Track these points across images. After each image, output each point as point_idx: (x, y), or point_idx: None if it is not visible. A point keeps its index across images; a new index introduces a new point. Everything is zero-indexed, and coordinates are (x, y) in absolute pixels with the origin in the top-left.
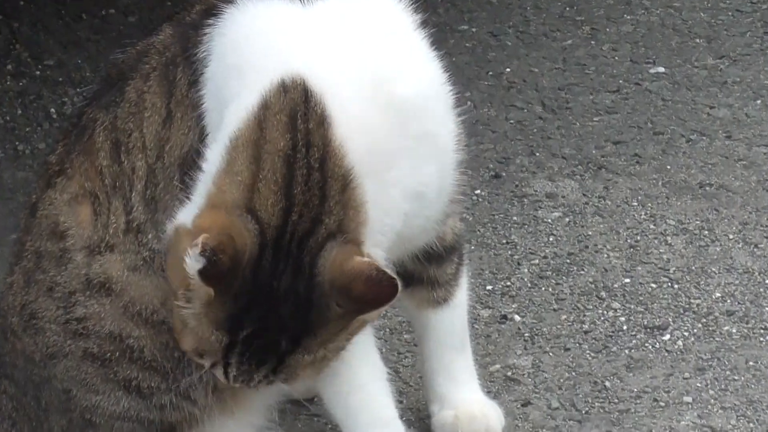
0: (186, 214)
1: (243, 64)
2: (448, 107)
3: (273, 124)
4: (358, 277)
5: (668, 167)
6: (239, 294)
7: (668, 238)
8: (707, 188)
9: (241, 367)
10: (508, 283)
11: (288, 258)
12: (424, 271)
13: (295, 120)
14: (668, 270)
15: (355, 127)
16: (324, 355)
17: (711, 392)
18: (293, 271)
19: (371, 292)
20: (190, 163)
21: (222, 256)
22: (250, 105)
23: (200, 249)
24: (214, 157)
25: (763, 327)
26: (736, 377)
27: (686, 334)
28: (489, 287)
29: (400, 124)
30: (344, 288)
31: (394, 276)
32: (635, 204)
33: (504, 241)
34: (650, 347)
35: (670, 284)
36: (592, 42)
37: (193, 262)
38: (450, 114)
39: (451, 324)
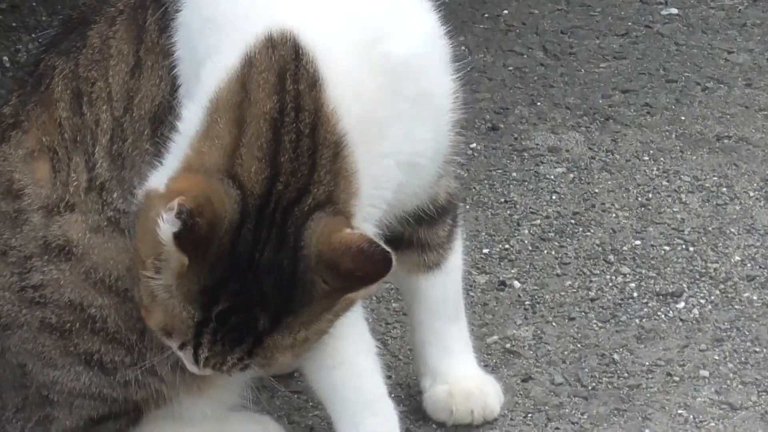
0: (159, 178)
1: (221, 17)
2: (445, 64)
3: (258, 83)
4: (347, 251)
5: (682, 118)
6: (215, 265)
7: (683, 195)
8: (725, 141)
9: (214, 348)
10: (507, 246)
11: (271, 227)
12: (414, 233)
13: (284, 80)
14: (683, 231)
15: (348, 90)
16: (305, 337)
17: (729, 365)
18: (277, 242)
19: (362, 268)
20: (162, 116)
21: (199, 220)
22: (232, 62)
23: (176, 211)
24: (190, 118)
25: None
26: (757, 349)
27: (702, 301)
28: (486, 250)
29: (395, 86)
30: (332, 262)
31: (389, 250)
32: (646, 158)
33: (502, 200)
34: (663, 316)
35: (684, 247)
36: None
37: (167, 226)
38: (447, 71)
39: (443, 291)
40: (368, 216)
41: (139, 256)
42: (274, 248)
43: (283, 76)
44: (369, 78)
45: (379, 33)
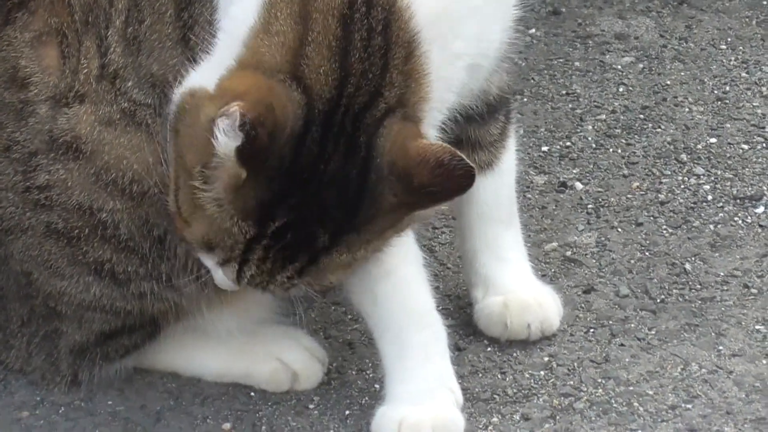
0: (203, 77)
1: None
2: None
3: None
4: (425, 162)
5: (764, 2)
6: (275, 177)
7: (763, 89)
8: None
9: (262, 266)
10: (569, 144)
11: (340, 136)
12: (464, 132)
13: None
14: (763, 128)
15: None
16: (363, 256)
17: None
18: (345, 153)
19: (439, 182)
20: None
21: (260, 131)
22: None
23: (238, 122)
24: (243, 14)
25: None
26: None
27: None
28: (545, 148)
29: None
30: (406, 173)
31: (472, 165)
32: (723, 47)
33: (564, 92)
34: (740, 222)
35: (765, 146)
36: None
37: (226, 139)
38: None
39: (496, 193)
40: (433, 121)
41: (183, 163)
42: (342, 158)
43: None
44: None
45: None
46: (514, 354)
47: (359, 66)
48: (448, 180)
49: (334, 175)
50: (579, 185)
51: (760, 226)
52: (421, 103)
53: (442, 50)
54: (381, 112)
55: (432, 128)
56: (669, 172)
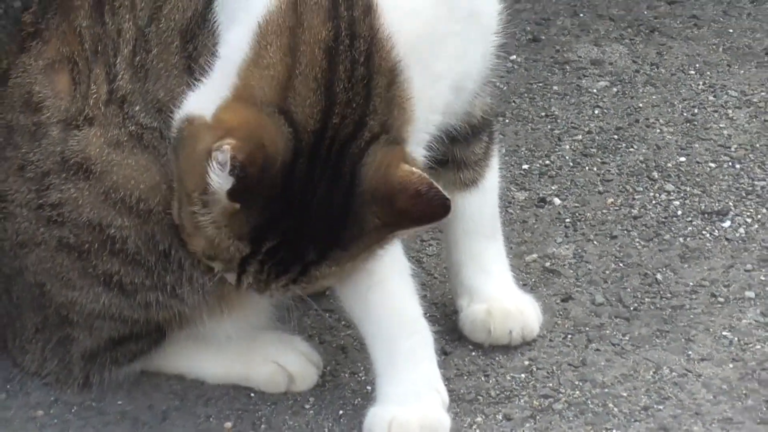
0: (200, 102)
1: None
2: None
3: (312, 9)
4: (404, 191)
5: (730, 31)
6: (267, 205)
7: (729, 111)
8: None
9: (259, 276)
10: (548, 162)
11: (326, 165)
12: (450, 151)
13: (338, 6)
14: (729, 147)
15: (402, 14)
16: (351, 267)
17: None
18: (331, 180)
19: (417, 209)
20: (194, 30)
21: (251, 170)
22: None
23: (229, 166)
24: (236, 42)
25: None
26: None
27: (749, 220)
28: (525, 166)
29: (448, 7)
30: (387, 199)
31: (447, 196)
32: (692, 72)
33: (543, 114)
34: (708, 235)
35: (731, 163)
36: None
37: (219, 180)
38: None
39: (480, 208)
40: (420, 141)
41: (183, 187)
42: (328, 186)
43: (337, 2)
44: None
45: None
46: (497, 358)
47: (343, 96)
48: (427, 208)
49: (321, 201)
50: (557, 201)
51: (727, 239)
52: (405, 126)
53: (424, 73)
54: (365, 140)
55: (419, 147)
56: (641, 189)
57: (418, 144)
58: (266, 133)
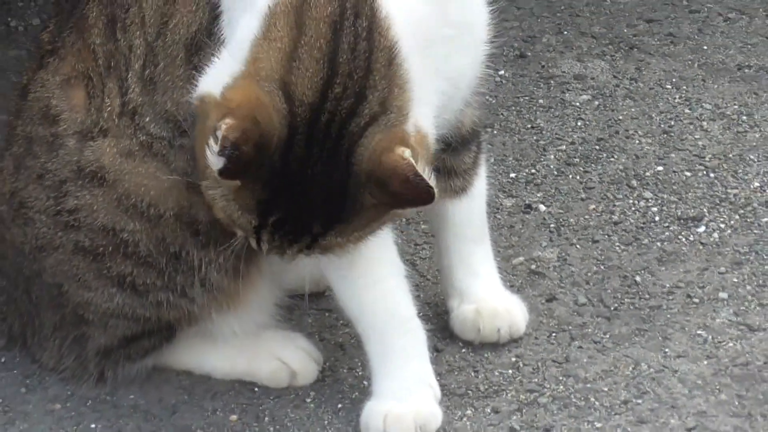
0: (214, 80)
1: None
2: None
3: None
4: (395, 175)
5: (705, 47)
6: (268, 181)
7: (704, 123)
8: (746, 70)
9: (273, 242)
10: (533, 171)
11: (324, 144)
12: (440, 160)
13: None
14: (704, 157)
15: (398, 8)
16: (358, 236)
17: (748, 288)
18: (328, 159)
19: (408, 193)
20: (199, 44)
21: (245, 148)
22: None
23: (219, 146)
24: (248, 25)
25: None
26: None
27: (722, 225)
28: (512, 175)
29: (441, 8)
30: (381, 181)
31: (431, 185)
32: (669, 87)
33: (529, 126)
34: (684, 240)
35: (705, 172)
36: None
37: (214, 159)
38: (484, 3)
39: (469, 215)
40: (425, 114)
41: (200, 162)
42: (326, 164)
43: None
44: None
45: None
46: (486, 355)
47: (346, 67)
48: (415, 193)
49: (319, 178)
50: (542, 207)
51: (701, 243)
52: (404, 107)
53: (418, 59)
54: (365, 119)
55: (427, 120)
56: (621, 196)
57: (424, 115)
58: (263, 111)
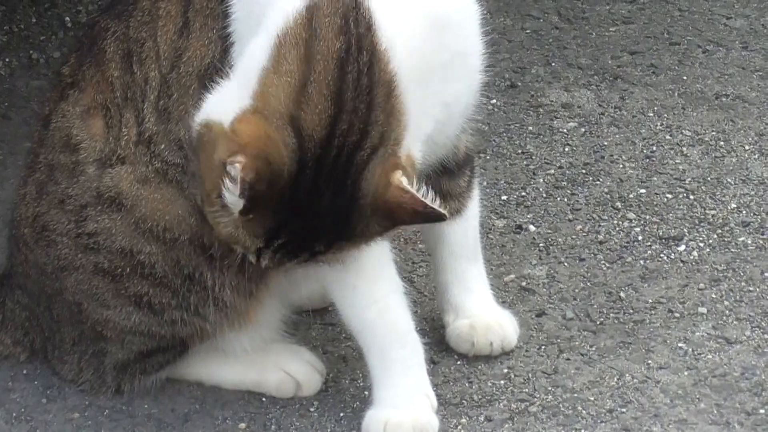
0: (220, 106)
1: None
2: (478, 27)
3: (326, 24)
4: (401, 208)
5: (684, 78)
6: (276, 210)
7: (684, 148)
8: (723, 99)
9: (273, 259)
10: (524, 193)
11: (330, 177)
12: (437, 184)
13: (348, 23)
14: (684, 180)
15: (398, 34)
16: (357, 250)
17: (726, 303)
18: (335, 191)
19: (416, 221)
20: (211, 75)
21: (260, 186)
22: (297, 8)
23: (239, 189)
24: (256, 53)
25: None
26: (751, 288)
27: (701, 244)
28: (504, 197)
29: (438, 37)
30: (387, 214)
31: (442, 212)
32: (651, 114)
33: (519, 151)
34: (665, 258)
35: (685, 195)
36: None
37: (232, 200)
38: (479, 34)
39: (464, 235)
40: (416, 140)
41: (203, 186)
42: (332, 196)
43: (348, 20)
44: (416, 26)
45: None
46: (479, 366)
47: (351, 104)
48: (424, 220)
49: (326, 207)
50: (532, 228)
51: (682, 261)
52: (400, 136)
53: (416, 90)
54: (368, 152)
55: (415, 143)
56: (606, 217)
57: (414, 145)
58: (273, 146)
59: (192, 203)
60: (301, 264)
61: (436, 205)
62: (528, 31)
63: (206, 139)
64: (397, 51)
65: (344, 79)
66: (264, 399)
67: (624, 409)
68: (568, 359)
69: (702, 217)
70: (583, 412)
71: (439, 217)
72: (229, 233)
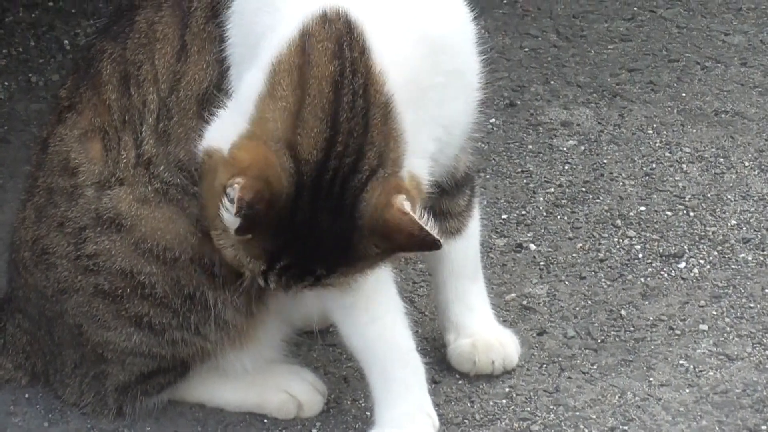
0: (219, 134)
1: (279, 1)
2: (474, 46)
3: (319, 50)
4: (399, 232)
5: (683, 94)
6: (276, 233)
7: (684, 165)
8: (723, 115)
9: (279, 282)
10: (524, 212)
11: (328, 199)
12: (437, 203)
13: (342, 48)
14: (684, 198)
15: (392, 57)
16: (361, 275)
17: (727, 320)
18: (333, 213)
19: (412, 245)
20: (209, 99)
21: (259, 207)
22: (291, 34)
23: (235, 207)
24: (253, 81)
25: None
26: (751, 305)
27: (702, 261)
28: (504, 216)
29: (433, 59)
30: (384, 235)
31: (437, 238)
32: (650, 132)
33: (519, 170)
34: (666, 275)
35: (685, 212)
36: None
37: (230, 219)
38: (475, 53)
39: (464, 254)
40: (419, 164)
41: (207, 212)
42: (331, 218)
43: (341, 45)
44: (410, 49)
45: (419, 12)
46: (481, 386)
47: (347, 126)
48: (420, 245)
49: (324, 229)
50: (533, 246)
51: (682, 278)
52: (399, 157)
53: (413, 113)
54: (366, 174)
55: (420, 165)
56: (606, 235)
57: (417, 164)
58: (272, 169)
59: (193, 222)
60: (308, 288)
61: (434, 232)
62: (527, 49)
63: (208, 166)
64: (392, 73)
65: (339, 101)
66: (266, 420)
67: (626, 427)
68: (569, 377)
69: (702, 234)
70: (585, 430)
71: (433, 244)
72: (233, 256)
